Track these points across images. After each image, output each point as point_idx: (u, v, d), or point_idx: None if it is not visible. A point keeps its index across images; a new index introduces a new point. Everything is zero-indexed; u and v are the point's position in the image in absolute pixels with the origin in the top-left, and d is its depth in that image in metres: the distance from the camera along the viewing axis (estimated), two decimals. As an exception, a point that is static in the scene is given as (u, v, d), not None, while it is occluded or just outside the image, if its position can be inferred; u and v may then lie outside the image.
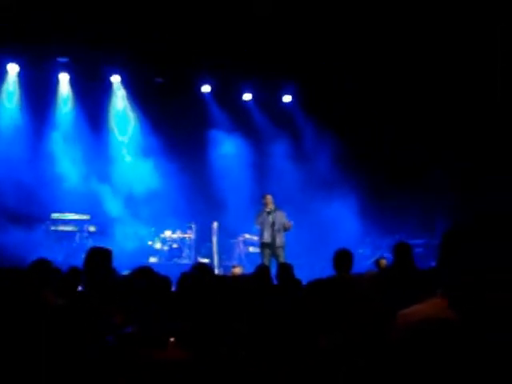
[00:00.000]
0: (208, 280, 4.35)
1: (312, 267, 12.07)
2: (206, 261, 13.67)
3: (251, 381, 2.98)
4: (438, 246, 2.34)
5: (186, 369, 2.95)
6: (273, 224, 11.42)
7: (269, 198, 11.70)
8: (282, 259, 11.10)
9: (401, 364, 2.17)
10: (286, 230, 11.55)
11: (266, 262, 11.10)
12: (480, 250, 2.23)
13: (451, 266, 2.28)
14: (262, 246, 11.62)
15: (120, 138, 14.64)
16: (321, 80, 14.13)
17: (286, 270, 6.87)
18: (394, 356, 2.21)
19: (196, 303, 3.89)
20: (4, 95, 13.33)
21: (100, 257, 4.55)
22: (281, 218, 11.58)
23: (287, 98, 15.38)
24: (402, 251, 6.52)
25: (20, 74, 13.31)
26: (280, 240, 11.49)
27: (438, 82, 13.30)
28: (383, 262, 9.82)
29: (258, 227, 11.90)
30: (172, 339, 3.10)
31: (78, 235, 13.26)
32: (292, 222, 11.55)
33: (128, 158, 14.46)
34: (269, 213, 11.55)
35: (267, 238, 11.44)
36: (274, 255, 11.45)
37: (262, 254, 11.65)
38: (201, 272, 4.52)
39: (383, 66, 13.29)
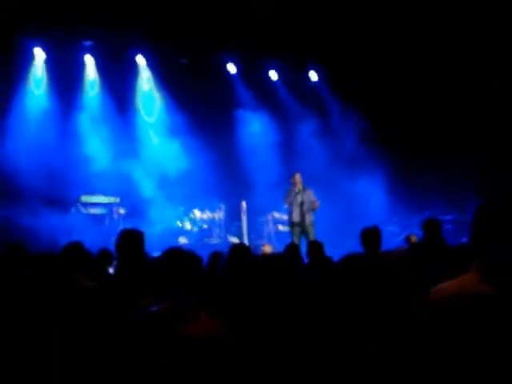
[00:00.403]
0: (248, 261, 4.39)
1: (340, 245, 12.03)
2: (235, 240, 13.74)
3: (281, 357, 3.00)
4: (471, 222, 2.35)
5: (217, 343, 2.98)
6: (301, 203, 11.41)
7: (297, 177, 11.68)
8: (312, 237, 11.08)
9: (435, 337, 2.21)
10: (313, 209, 11.54)
11: (296, 240, 11.16)
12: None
13: (484, 241, 2.29)
14: (292, 224, 11.66)
15: (147, 119, 14.67)
16: (347, 57, 14.00)
17: (316, 247, 6.86)
18: (429, 330, 2.25)
19: (236, 284, 3.93)
20: (31, 81, 13.40)
21: (132, 239, 4.58)
22: (309, 196, 11.56)
23: (313, 76, 15.26)
24: (431, 227, 6.46)
25: (46, 59, 13.36)
26: (309, 218, 11.49)
27: (466, 62, 13.11)
28: (413, 238, 9.74)
29: (286, 206, 11.91)
30: (203, 313, 3.13)
31: (107, 218, 13.36)
32: (319, 202, 11.51)
33: (155, 139, 14.48)
34: (297, 192, 11.55)
35: (296, 217, 11.45)
36: (304, 233, 11.47)
37: (291, 232, 11.70)
38: (240, 253, 4.54)
39: (410, 42, 13.13)
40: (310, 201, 11.50)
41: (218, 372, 2.89)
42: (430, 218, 7.05)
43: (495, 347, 2.11)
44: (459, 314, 2.17)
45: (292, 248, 6.45)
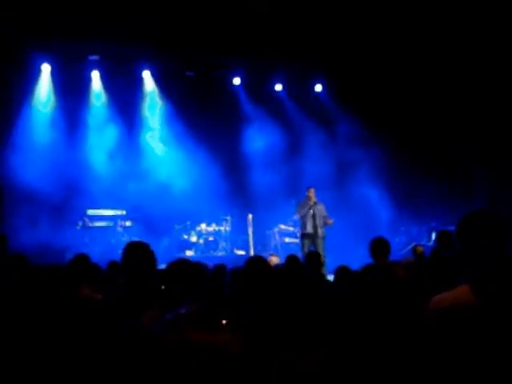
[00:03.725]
0: (266, 272, 4.41)
1: (349, 256, 12.05)
2: (242, 253, 13.73)
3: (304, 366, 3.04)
4: (457, 234, 2.58)
5: (235, 353, 2.98)
6: (314, 216, 11.82)
7: (312, 190, 12.07)
8: (321, 250, 11.45)
9: (433, 342, 2.46)
10: (326, 225, 11.95)
11: (306, 251, 11.29)
12: (493, 239, 2.44)
13: (470, 254, 2.61)
14: (303, 236, 11.98)
15: (152, 132, 14.66)
16: (351, 67, 14.01)
17: (316, 258, 6.90)
18: (427, 337, 2.50)
19: (253, 295, 3.94)
20: (38, 95, 13.46)
21: (137, 251, 4.57)
22: (321, 211, 11.99)
23: (318, 87, 15.28)
24: (444, 239, 6.50)
25: (52, 73, 13.44)
26: (321, 232, 11.90)
27: (479, 71, 13.09)
28: (420, 249, 9.71)
29: (297, 217, 12.17)
30: (224, 322, 3.15)
31: (113, 230, 13.39)
32: (333, 220, 11.97)
33: (161, 152, 14.49)
34: (311, 205, 11.90)
35: (310, 228, 11.85)
36: (314, 245, 11.75)
37: (301, 244, 12.01)
38: (258, 265, 4.55)
39: (416, 51, 13.12)
40: (322, 215, 11.95)
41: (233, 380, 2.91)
42: (444, 230, 7.09)
43: (483, 352, 2.38)
44: (452, 323, 2.43)
45: (292, 259, 6.46)
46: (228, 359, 2.92)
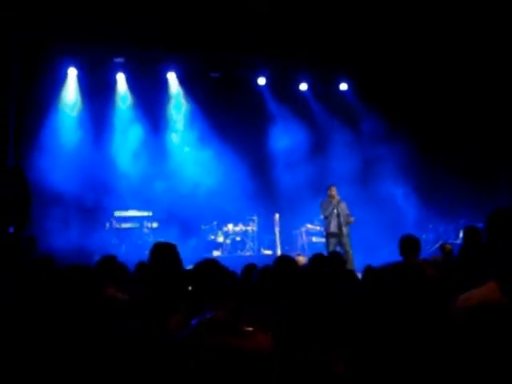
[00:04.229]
0: (294, 272, 4.41)
1: (375, 254, 12.00)
2: (269, 252, 13.72)
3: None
4: (485, 231, 2.55)
5: (264, 357, 2.97)
6: (338, 215, 11.73)
7: (334, 189, 11.95)
8: (348, 248, 11.53)
9: (462, 340, 2.47)
10: (348, 223, 11.82)
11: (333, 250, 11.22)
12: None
13: (498, 252, 2.59)
14: (328, 235, 11.87)
15: (178, 133, 14.72)
16: (375, 65, 13.93)
17: (339, 259, 6.84)
18: (456, 334, 2.51)
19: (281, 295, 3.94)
20: (65, 97, 13.60)
21: (164, 251, 4.59)
22: (344, 209, 11.89)
23: (343, 86, 15.20)
24: (472, 235, 6.40)
25: (79, 76, 13.57)
26: (346, 230, 11.78)
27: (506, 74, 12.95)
28: (448, 247, 9.62)
29: (323, 217, 12.07)
30: (251, 328, 3.13)
31: (140, 231, 13.47)
32: (354, 218, 11.86)
33: (187, 153, 14.53)
34: (334, 204, 11.80)
35: (334, 228, 11.74)
36: (341, 244, 11.68)
37: (328, 243, 11.89)
38: (286, 265, 4.55)
39: (438, 51, 13.02)
40: (345, 214, 11.83)
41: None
42: (471, 226, 6.98)
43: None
44: (480, 321, 2.42)
45: (316, 259, 6.41)
46: (256, 363, 2.90)
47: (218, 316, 3.11)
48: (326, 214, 11.84)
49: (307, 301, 3.73)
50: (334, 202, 11.80)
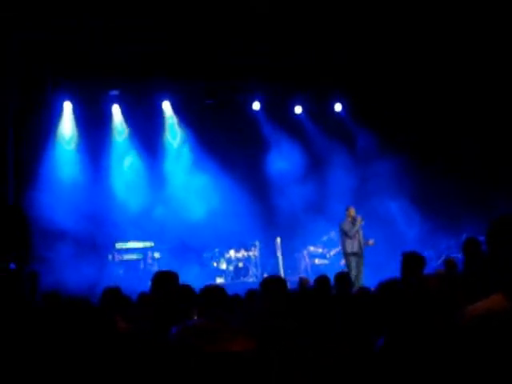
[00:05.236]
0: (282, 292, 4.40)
1: (379, 272, 11.97)
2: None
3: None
4: (487, 240, 2.55)
5: (245, 359, 2.98)
6: (358, 234, 11.96)
7: (353, 210, 12.20)
8: (362, 267, 11.89)
9: (469, 349, 2.49)
10: (367, 244, 12.10)
11: (355, 270, 11.71)
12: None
13: (501, 260, 2.61)
14: (349, 255, 12.00)
15: (176, 161, 14.70)
16: (368, 84, 14.01)
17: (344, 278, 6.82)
18: (464, 342, 2.53)
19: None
20: (62, 130, 13.66)
21: (166, 280, 4.59)
22: (360, 229, 12.10)
23: (338, 107, 15.22)
24: (471, 248, 6.34)
25: (75, 112, 13.65)
26: (363, 249, 12.03)
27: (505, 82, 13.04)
28: (452, 261, 9.61)
29: (342, 237, 12.15)
30: (239, 336, 3.14)
31: (143, 262, 13.43)
32: (373, 240, 12.19)
33: (185, 181, 14.49)
34: (354, 224, 12.00)
35: (356, 248, 11.96)
36: (357, 264, 11.91)
37: (348, 263, 12.00)
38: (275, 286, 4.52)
39: (430, 66, 13.12)
40: (361, 233, 12.08)
41: None
42: (470, 238, 6.90)
43: None
44: (488, 329, 2.44)
45: (321, 281, 6.36)
46: (239, 365, 2.91)
47: (201, 322, 3.14)
48: (351, 234, 11.96)
49: (311, 320, 3.71)
50: (358, 222, 11.97)
